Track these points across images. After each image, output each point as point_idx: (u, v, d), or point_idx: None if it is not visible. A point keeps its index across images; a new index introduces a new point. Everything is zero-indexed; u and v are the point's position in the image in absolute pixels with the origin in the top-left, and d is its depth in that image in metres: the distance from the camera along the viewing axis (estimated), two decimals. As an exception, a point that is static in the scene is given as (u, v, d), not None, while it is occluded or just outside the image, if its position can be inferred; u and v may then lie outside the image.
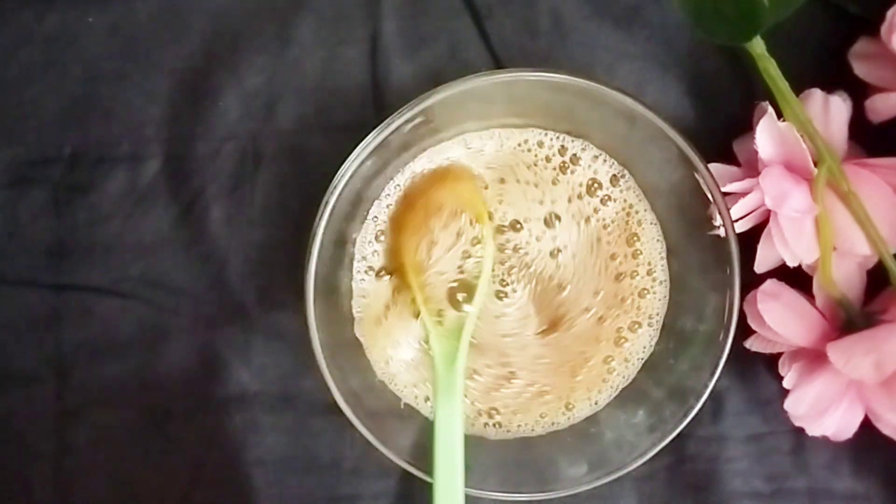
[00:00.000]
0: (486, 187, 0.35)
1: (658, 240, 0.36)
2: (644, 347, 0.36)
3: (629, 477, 0.34)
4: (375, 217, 0.35)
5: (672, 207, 0.35)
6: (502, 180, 0.35)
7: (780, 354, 0.34)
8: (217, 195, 0.37)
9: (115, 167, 0.37)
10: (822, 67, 0.34)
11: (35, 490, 0.37)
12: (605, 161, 0.35)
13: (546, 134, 0.35)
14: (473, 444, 0.32)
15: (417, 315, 0.35)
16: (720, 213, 0.32)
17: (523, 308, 0.36)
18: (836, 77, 0.33)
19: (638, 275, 0.36)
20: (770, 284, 0.33)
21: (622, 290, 0.36)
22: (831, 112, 0.33)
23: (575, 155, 0.35)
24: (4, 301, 0.37)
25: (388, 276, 0.35)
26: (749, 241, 0.33)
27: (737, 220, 0.32)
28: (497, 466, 0.35)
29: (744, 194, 0.32)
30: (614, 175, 0.35)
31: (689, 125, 0.36)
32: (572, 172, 0.35)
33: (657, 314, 0.36)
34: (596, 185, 0.35)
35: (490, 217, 0.35)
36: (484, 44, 0.37)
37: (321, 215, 0.31)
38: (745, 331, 0.34)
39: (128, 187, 0.37)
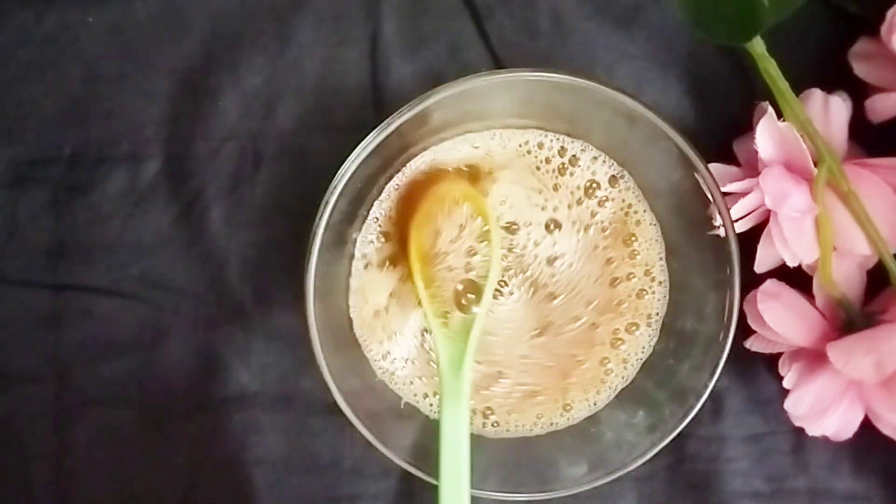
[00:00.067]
0: (488, 187, 0.35)
1: (657, 240, 0.36)
2: (643, 348, 0.36)
3: (629, 477, 0.34)
4: (376, 217, 0.35)
5: (672, 207, 0.35)
6: (505, 181, 0.35)
7: (780, 354, 0.34)
8: (217, 195, 0.37)
9: (115, 167, 0.37)
10: (822, 67, 0.34)
11: (35, 490, 0.37)
12: (604, 162, 0.35)
13: (546, 135, 0.35)
14: (473, 443, 0.32)
15: (420, 303, 0.35)
16: (720, 213, 0.32)
17: (513, 310, 0.36)
18: (836, 77, 0.33)
19: (635, 276, 0.36)
20: (770, 284, 0.33)
21: (617, 294, 0.36)
22: (831, 112, 0.33)
23: (574, 156, 0.35)
24: (4, 301, 0.37)
25: (391, 267, 0.35)
26: (749, 241, 0.33)
27: (737, 220, 0.32)
28: (497, 466, 0.35)
29: (744, 194, 0.32)
30: (613, 176, 0.35)
31: (689, 125, 0.36)
32: (571, 174, 0.35)
33: (656, 314, 0.36)
34: (594, 185, 0.35)
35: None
36: (484, 44, 0.37)
37: (321, 215, 0.31)
38: (745, 331, 0.34)
39: (128, 187, 0.37)
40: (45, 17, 0.37)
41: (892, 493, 0.37)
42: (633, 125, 0.32)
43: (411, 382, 0.36)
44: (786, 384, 0.33)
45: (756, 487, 0.37)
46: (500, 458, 0.35)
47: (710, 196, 0.32)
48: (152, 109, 0.37)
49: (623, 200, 0.35)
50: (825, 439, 0.34)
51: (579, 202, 0.35)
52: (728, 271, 0.32)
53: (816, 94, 0.33)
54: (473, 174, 0.35)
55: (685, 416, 0.33)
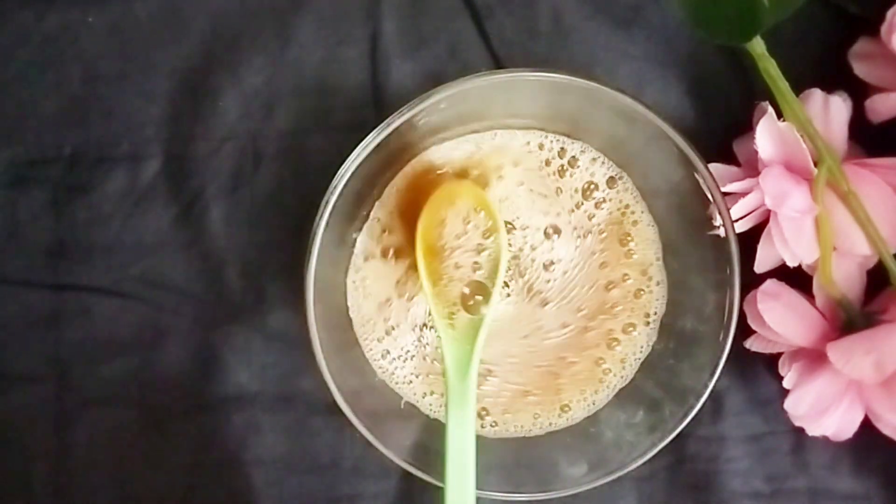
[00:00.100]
0: (487, 185, 0.35)
1: (654, 241, 0.36)
2: (641, 347, 0.36)
3: (629, 477, 0.34)
4: (377, 217, 0.35)
5: (672, 207, 0.35)
6: (506, 181, 0.35)
7: (780, 354, 0.34)
8: (217, 195, 0.37)
9: (114, 167, 0.37)
10: (822, 67, 0.34)
11: (35, 490, 0.37)
12: (602, 163, 0.35)
13: (546, 136, 0.35)
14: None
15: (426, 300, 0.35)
16: (720, 213, 0.32)
17: (505, 311, 0.36)
18: (836, 77, 0.33)
19: (630, 278, 0.35)
20: (770, 284, 0.33)
21: (611, 297, 0.36)
22: (831, 112, 0.33)
23: (573, 157, 0.35)
24: (4, 301, 0.37)
25: (394, 258, 0.35)
26: (749, 241, 0.33)
27: (737, 220, 0.32)
28: (497, 466, 0.35)
29: (744, 194, 0.32)
30: (611, 177, 0.35)
31: (689, 125, 0.36)
32: (571, 175, 0.35)
33: (654, 314, 0.36)
34: (592, 186, 0.35)
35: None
36: (484, 44, 0.37)
37: (321, 215, 0.31)
38: (745, 331, 0.34)
39: (128, 187, 0.37)
40: (45, 17, 0.37)
41: (892, 493, 0.37)
42: (633, 125, 0.32)
43: (410, 382, 0.36)
44: (786, 384, 0.33)
45: (756, 487, 0.37)
46: (500, 458, 0.35)
47: (710, 196, 0.32)
48: (152, 109, 0.37)
49: (620, 201, 0.35)
50: (825, 439, 0.34)
51: (578, 206, 0.35)
52: (728, 271, 0.32)
53: (816, 94, 0.33)
54: (475, 174, 0.35)
55: (685, 416, 0.33)
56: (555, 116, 0.34)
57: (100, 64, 0.37)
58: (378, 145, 0.31)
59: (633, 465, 0.33)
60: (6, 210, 0.37)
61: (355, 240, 0.35)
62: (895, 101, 0.32)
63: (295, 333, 0.37)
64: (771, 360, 0.35)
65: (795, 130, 0.32)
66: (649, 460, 0.33)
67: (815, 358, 0.33)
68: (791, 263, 0.32)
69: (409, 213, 0.35)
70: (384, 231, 0.35)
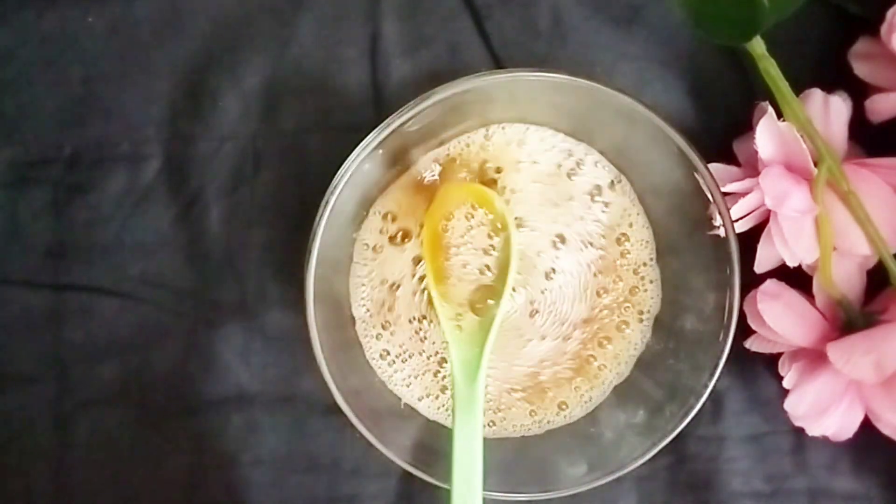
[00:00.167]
0: (494, 181, 0.35)
1: (649, 241, 0.36)
2: (635, 344, 0.36)
3: (629, 477, 0.34)
4: (377, 215, 0.35)
5: (672, 207, 0.35)
6: (507, 182, 0.35)
7: (780, 354, 0.34)
8: (217, 195, 0.37)
9: (114, 167, 0.37)
10: (822, 67, 0.34)
11: (35, 490, 0.37)
12: (604, 166, 0.35)
13: (556, 135, 0.35)
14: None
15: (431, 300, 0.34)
16: (720, 213, 0.32)
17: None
18: (836, 77, 0.33)
19: (623, 280, 0.35)
20: (770, 284, 0.33)
21: (600, 303, 0.35)
22: (831, 112, 0.33)
23: (580, 159, 0.35)
24: (4, 301, 0.37)
25: (400, 243, 0.35)
26: (749, 241, 0.33)
27: (737, 220, 0.32)
28: (497, 466, 0.34)
29: (744, 194, 0.32)
30: (612, 180, 0.35)
31: (689, 125, 0.36)
32: (579, 178, 0.35)
33: (648, 311, 0.36)
34: (596, 190, 0.35)
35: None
36: (484, 44, 0.37)
37: (321, 215, 0.31)
38: (745, 331, 0.34)
39: (128, 187, 0.37)
40: (45, 16, 0.37)
41: (892, 493, 0.37)
42: (633, 125, 0.32)
43: (409, 385, 0.36)
44: (786, 384, 0.33)
45: (756, 487, 0.37)
46: (500, 458, 0.35)
47: (710, 196, 0.32)
48: (152, 109, 0.37)
49: (621, 204, 0.35)
50: (825, 439, 0.34)
51: (585, 212, 0.35)
52: (728, 271, 0.32)
53: (816, 94, 0.33)
54: (476, 174, 0.35)
55: (685, 416, 0.33)
56: (556, 117, 0.34)
57: (100, 64, 0.37)
58: (378, 145, 0.31)
59: (633, 465, 0.33)
60: (6, 210, 0.37)
61: (355, 239, 0.35)
62: (895, 101, 0.32)
63: (295, 333, 0.37)
64: (771, 360, 0.35)
65: (795, 130, 0.32)
66: (649, 460, 0.33)
67: (815, 358, 0.33)
68: (791, 263, 0.32)
69: (413, 212, 0.35)
70: (386, 226, 0.35)
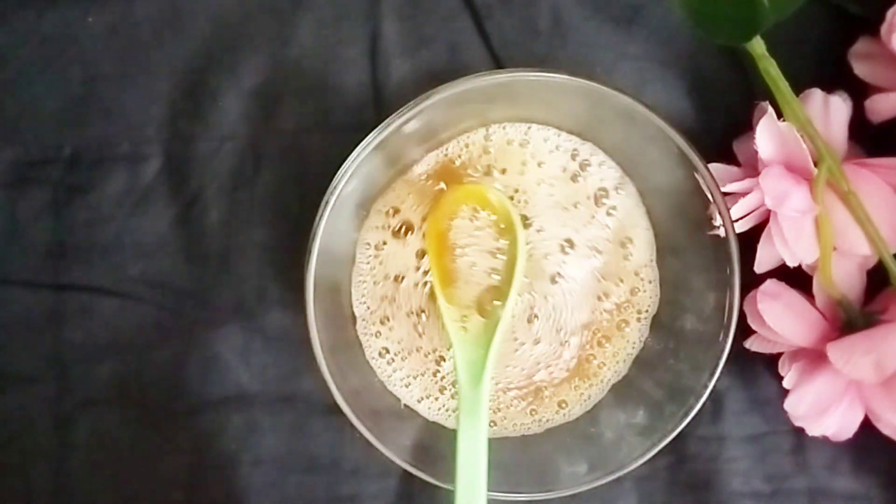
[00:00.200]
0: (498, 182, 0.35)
1: (650, 243, 0.36)
2: (633, 343, 0.36)
3: (629, 477, 0.34)
4: (378, 213, 0.35)
5: (672, 207, 0.35)
6: (516, 185, 0.35)
7: (780, 354, 0.34)
8: (217, 195, 0.37)
9: (114, 167, 0.37)
10: (822, 67, 0.34)
11: (35, 490, 0.37)
12: (609, 167, 0.35)
13: (560, 135, 0.35)
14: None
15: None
16: (720, 213, 0.32)
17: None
18: (836, 77, 0.33)
19: (623, 282, 0.35)
20: (770, 284, 0.33)
21: (600, 306, 0.36)
22: (831, 112, 0.33)
23: (585, 160, 0.35)
24: (5, 301, 0.37)
25: (404, 236, 0.35)
26: (749, 241, 0.33)
27: (737, 220, 0.32)
28: (497, 466, 0.34)
29: (744, 194, 0.32)
30: (617, 182, 0.35)
31: (689, 125, 0.36)
32: (584, 180, 0.35)
33: (646, 310, 0.36)
34: (602, 193, 0.35)
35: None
36: (484, 44, 0.37)
37: (321, 215, 0.31)
38: (745, 331, 0.34)
39: (128, 187, 0.37)
40: (45, 16, 0.37)
41: (892, 493, 0.37)
42: (633, 125, 0.32)
43: (408, 385, 0.36)
44: (786, 384, 0.33)
45: (756, 487, 0.37)
46: (499, 458, 0.35)
47: (710, 196, 0.32)
48: (152, 109, 0.37)
49: (626, 207, 0.35)
50: (825, 439, 0.34)
51: (592, 217, 0.35)
52: (728, 271, 0.32)
53: (816, 94, 0.33)
54: (480, 174, 0.35)
55: (685, 416, 0.33)
56: (557, 117, 0.34)
57: (100, 64, 0.37)
58: (378, 145, 0.31)
59: (633, 465, 0.33)
60: (6, 210, 0.37)
61: (356, 240, 0.35)
62: (895, 101, 0.32)
63: (295, 333, 0.37)
64: (771, 360, 0.35)
65: (795, 130, 0.32)
66: (649, 460, 0.33)
67: (815, 358, 0.33)
68: (791, 263, 0.32)
69: (418, 204, 0.35)
70: (388, 220, 0.35)
